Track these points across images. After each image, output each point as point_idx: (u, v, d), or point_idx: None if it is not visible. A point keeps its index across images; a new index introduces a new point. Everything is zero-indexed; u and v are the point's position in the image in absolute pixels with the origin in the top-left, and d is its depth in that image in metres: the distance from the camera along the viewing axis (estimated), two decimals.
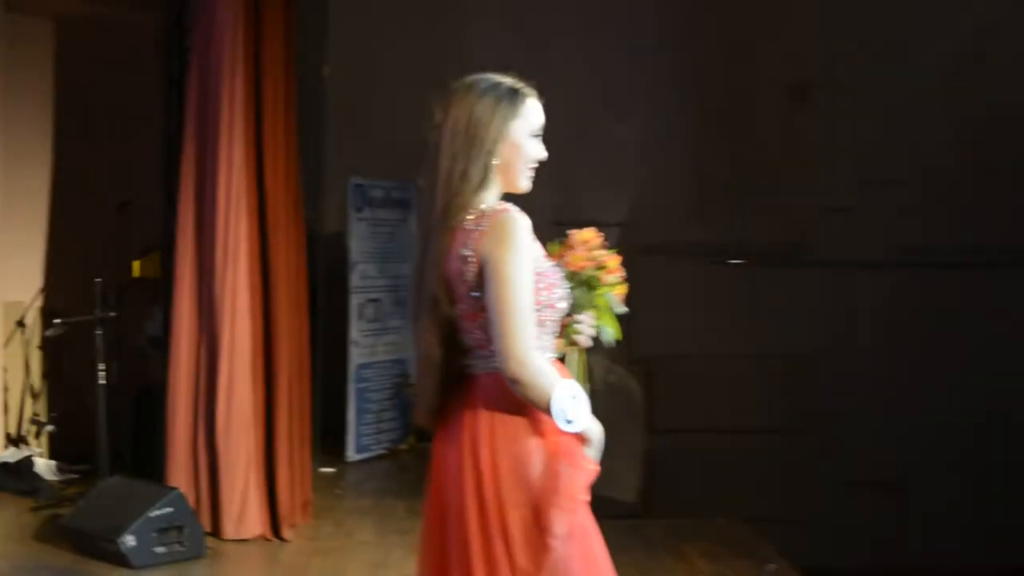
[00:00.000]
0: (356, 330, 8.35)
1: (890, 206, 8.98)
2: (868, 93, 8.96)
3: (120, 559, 5.58)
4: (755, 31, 8.99)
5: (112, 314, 6.96)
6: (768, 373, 9.01)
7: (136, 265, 7.30)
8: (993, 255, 9.07)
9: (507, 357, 2.68)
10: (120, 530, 5.58)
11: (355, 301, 8.35)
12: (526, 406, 2.74)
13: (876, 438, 8.91)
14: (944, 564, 8.67)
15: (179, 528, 5.72)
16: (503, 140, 2.84)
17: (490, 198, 2.85)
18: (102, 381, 6.76)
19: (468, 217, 2.79)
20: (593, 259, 3.04)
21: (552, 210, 7.85)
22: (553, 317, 2.84)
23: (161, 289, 6.92)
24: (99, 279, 6.83)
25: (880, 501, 9.04)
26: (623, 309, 3.09)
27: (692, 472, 8.80)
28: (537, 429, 2.76)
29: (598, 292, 3.03)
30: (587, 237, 3.07)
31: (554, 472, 2.72)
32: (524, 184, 2.91)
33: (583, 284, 3.02)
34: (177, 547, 5.71)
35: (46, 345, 7.79)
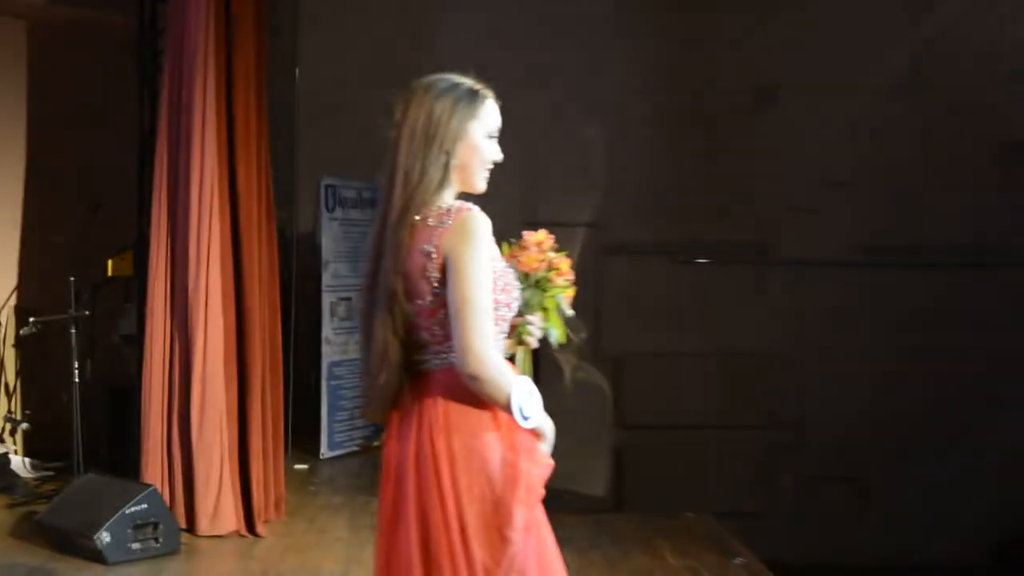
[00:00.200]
0: (329, 328, 8.40)
1: (852, 206, 9.10)
2: (830, 94, 9.02)
3: (95, 555, 5.60)
4: (721, 34, 9.05)
5: (86, 313, 6.98)
6: (734, 370, 9.10)
7: (110, 264, 7.31)
8: (954, 254, 9.19)
9: (466, 354, 2.69)
10: (95, 527, 5.60)
11: (328, 300, 8.39)
12: (482, 401, 2.76)
13: (840, 434, 9.00)
14: (907, 558, 8.80)
15: (154, 524, 5.73)
16: (461, 140, 2.85)
17: (447, 197, 2.86)
18: (76, 379, 6.78)
19: (429, 215, 2.80)
20: (546, 261, 3.04)
21: (521, 210, 7.96)
22: (507, 316, 2.87)
23: (135, 288, 6.95)
24: (73, 278, 6.85)
25: (845, 496, 9.16)
26: (571, 312, 3.09)
27: (661, 468, 8.87)
28: (494, 424, 2.78)
29: (549, 294, 3.03)
30: (540, 239, 3.07)
31: (515, 467, 2.75)
32: (480, 185, 2.92)
33: (535, 285, 3.02)
34: (152, 543, 5.73)
35: (20, 344, 7.81)
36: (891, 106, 9.05)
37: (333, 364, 8.42)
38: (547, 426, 2.86)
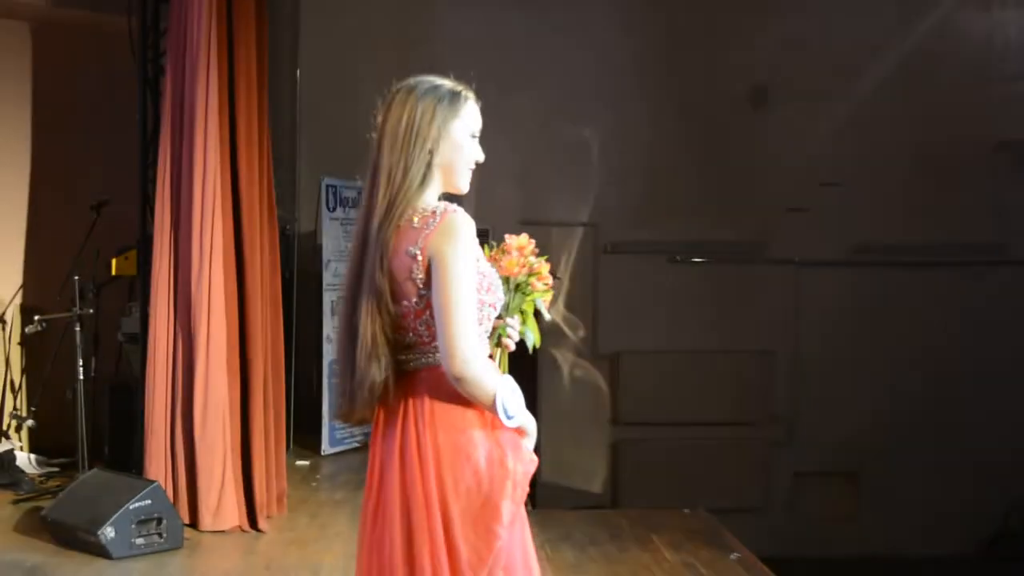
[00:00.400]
0: (330, 326, 8.42)
1: (848, 205, 9.14)
2: (828, 94, 9.07)
3: (100, 550, 5.64)
4: (717, 36, 9.09)
5: (90, 311, 7.05)
6: (730, 368, 9.15)
7: (114, 263, 7.35)
8: (946, 253, 9.23)
9: (451, 355, 2.70)
10: (100, 522, 5.63)
11: (329, 298, 8.43)
12: (467, 400, 2.77)
13: (835, 430, 9.07)
14: (901, 552, 8.86)
15: (158, 520, 5.78)
16: (444, 140, 2.85)
17: (431, 198, 2.86)
18: (81, 377, 6.83)
19: (414, 216, 2.80)
20: (527, 265, 3.06)
21: (518, 209, 8.02)
22: (491, 316, 2.88)
23: (138, 287, 6.98)
24: (78, 277, 6.91)
25: (840, 491, 9.21)
26: (549, 316, 3.13)
27: (657, 464, 8.94)
28: (480, 421, 2.80)
29: (528, 298, 3.07)
30: (523, 243, 3.08)
31: (503, 464, 2.77)
32: (463, 185, 2.92)
33: (515, 289, 3.05)
34: (156, 538, 5.77)
35: (26, 341, 7.87)
36: (887, 106, 9.08)
37: (334, 362, 8.44)
38: (530, 424, 2.88)
